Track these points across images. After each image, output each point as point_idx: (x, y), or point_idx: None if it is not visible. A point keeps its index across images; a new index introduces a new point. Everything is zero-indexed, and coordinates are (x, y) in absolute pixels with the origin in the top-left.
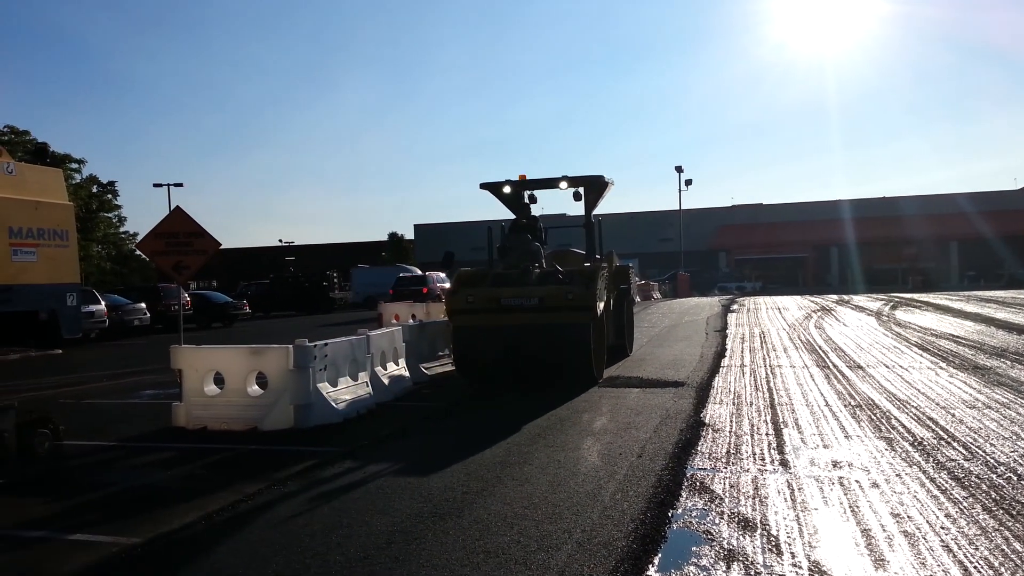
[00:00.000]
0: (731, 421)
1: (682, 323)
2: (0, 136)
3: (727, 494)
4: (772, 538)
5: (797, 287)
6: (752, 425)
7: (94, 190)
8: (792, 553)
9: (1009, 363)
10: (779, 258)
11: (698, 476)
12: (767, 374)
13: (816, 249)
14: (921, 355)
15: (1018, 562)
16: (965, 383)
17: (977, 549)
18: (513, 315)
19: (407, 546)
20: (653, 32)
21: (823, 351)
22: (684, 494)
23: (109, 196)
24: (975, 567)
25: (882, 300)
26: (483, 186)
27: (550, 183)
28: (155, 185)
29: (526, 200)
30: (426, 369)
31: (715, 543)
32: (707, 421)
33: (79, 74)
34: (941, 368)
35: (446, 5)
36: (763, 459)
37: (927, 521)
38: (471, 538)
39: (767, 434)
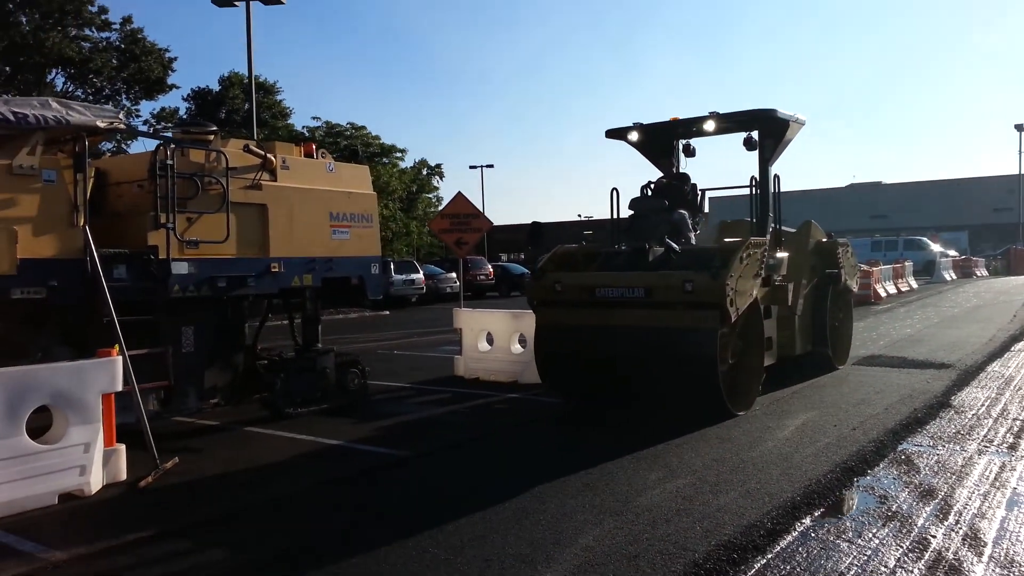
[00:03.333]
0: (982, 405)
1: (992, 303)
2: (343, 131)
3: (928, 468)
4: (946, 508)
5: None
6: (1004, 410)
7: (423, 172)
8: (956, 521)
9: None
10: None
11: (908, 451)
12: None
13: None
14: None
15: None
16: None
17: None
18: (611, 312)
19: (611, 476)
20: None
21: None
22: (881, 465)
23: (433, 176)
24: None
25: None
26: (608, 134)
27: (693, 125)
28: (471, 167)
29: (680, 152)
30: None
31: (884, 506)
32: (953, 403)
33: (412, 70)
34: None
35: None
36: (990, 441)
37: None
38: (658, 478)
39: (1015, 419)
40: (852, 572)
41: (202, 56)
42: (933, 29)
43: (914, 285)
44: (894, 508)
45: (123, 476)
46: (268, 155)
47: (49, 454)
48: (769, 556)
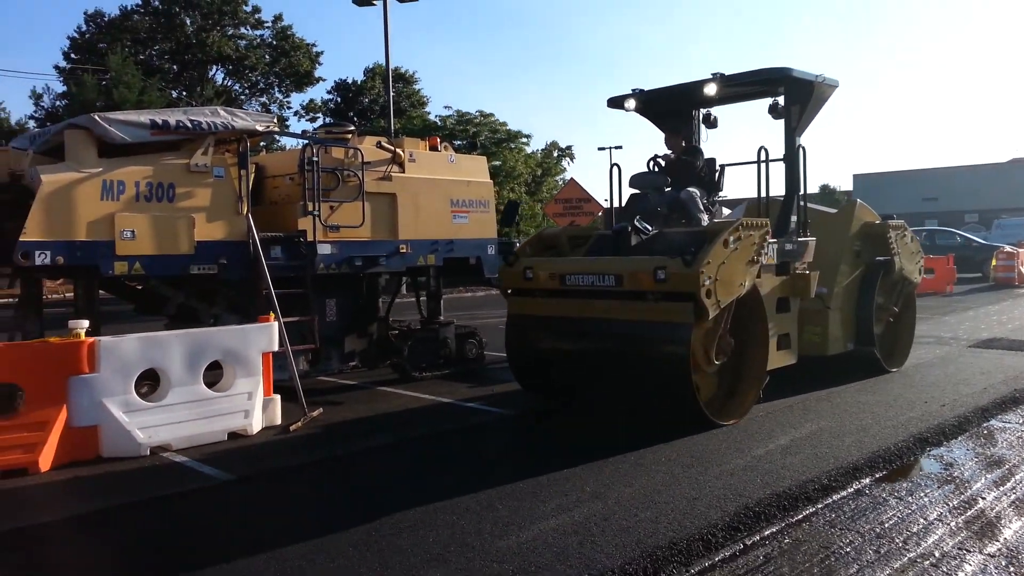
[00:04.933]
0: None
1: None
2: (472, 119)
3: (1005, 442)
4: (1007, 476)
5: None
6: None
7: (554, 155)
8: (1013, 487)
9: None
10: None
11: (993, 427)
12: None
13: None
14: None
15: None
16: None
17: None
18: (584, 302)
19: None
20: None
21: None
22: (959, 438)
23: (563, 158)
24: None
25: None
26: (610, 103)
27: (698, 91)
28: (599, 148)
29: (699, 124)
30: None
31: (948, 471)
32: None
33: (540, 56)
34: None
35: None
36: None
37: None
38: (722, 437)
39: None
40: (891, 522)
41: (347, 50)
42: None
43: None
44: (955, 474)
45: (278, 421)
46: (397, 150)
47: (220, 400)
48: (818, 506)
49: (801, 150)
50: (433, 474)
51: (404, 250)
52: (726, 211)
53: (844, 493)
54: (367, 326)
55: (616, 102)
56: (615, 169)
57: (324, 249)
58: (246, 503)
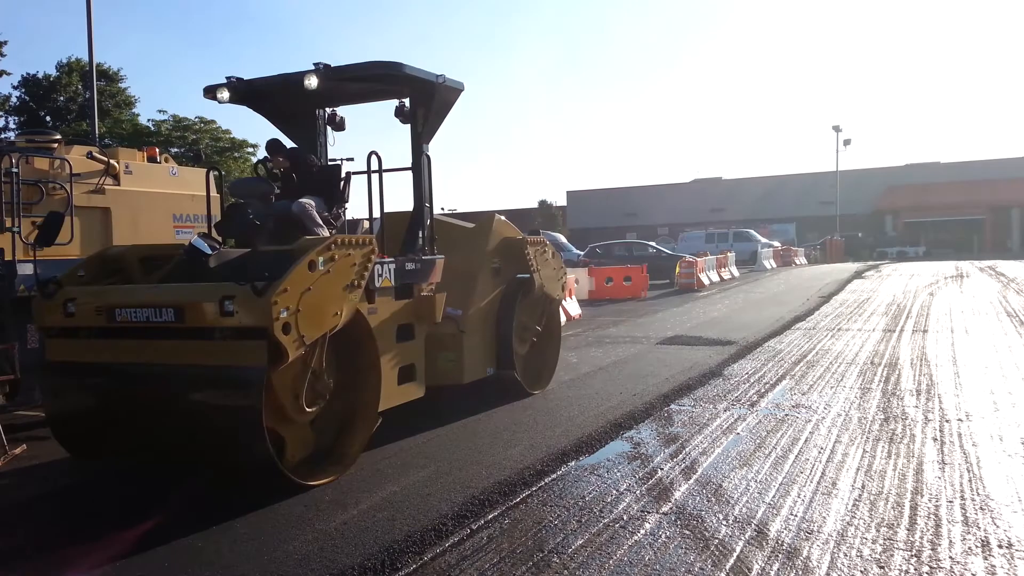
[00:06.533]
0: (746, 373)
1: (796, 288)
2: (191, 125)
3: (680, 422)
4: (680, 449)
5: (972, 253)
6: (761, 377)
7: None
8: (684, 458)
9: None
10: (951, 221)
11: (671, 410)
12: (828, 336)
13: (994, 211)
14: (999, 321)
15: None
16: (1000, 347)
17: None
18: (137, 343)
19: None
20: None
21: (906, 316)
22: (646, 422)
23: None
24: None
25: None
26: (205, 93)
27: (291, 83)
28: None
29: (324, 124)
30: None
31: (636, 449)
32: (724, 373)
33: (270, 59)
34: (1004, 334)
35: None
36: (738, 400)
37: (820, 446)
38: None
39: (768, 383)
40: (591, 495)
41: (38, 40)
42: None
43: (736, 274)
44: (641, 451)
45: None
46: (112, 161)
47: None
48: (535, 488)
49: (426, 159)
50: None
51: None
52: (366, 224)
53: (555, 475)
54: None
55: (210, 92)
56: (211, 175)
57: (25, 269)
58: None
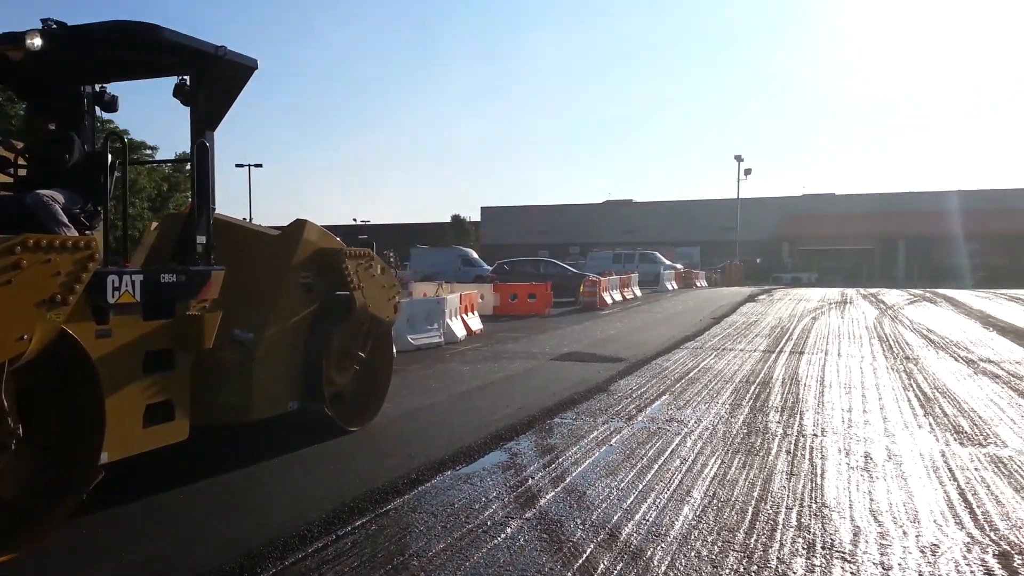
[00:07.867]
0: (629, 389)
1: (692, 310)
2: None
3: (559, 435)
4: (553, 459)
5: (861, 280)
6: (643, 393)
7: (187, 168)
8: (556, 467)
9: (915, 355)
10: (843, 250)
11: (553, 423)
12: (713, 355)
13: (882, 242)
14: (871, 345)
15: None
16: (867, 369)
17: (729, 479)
18: None
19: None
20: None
21: (787, 339)
22: (527, 433)
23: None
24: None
25: (913, 295)
26: None
27: (9, 43)
28: (237, 165)
29: (90, 103)
30: (412, 340)
31: (512, 459)
32: (609, 388)
33: None
34: (872, 358)
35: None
36: (617, 414)
37: (683, 457)
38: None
39: (648, 399)
40: (461, 503)
41: None
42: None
43: (638, 294)
44: (517, 461)
45: None
46: None
47: None
48: (406, 497)
49: (206, 147)
50: None
51: None
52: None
53: (428, 484)
54: None
55: None
56: None
57: None
58: None
